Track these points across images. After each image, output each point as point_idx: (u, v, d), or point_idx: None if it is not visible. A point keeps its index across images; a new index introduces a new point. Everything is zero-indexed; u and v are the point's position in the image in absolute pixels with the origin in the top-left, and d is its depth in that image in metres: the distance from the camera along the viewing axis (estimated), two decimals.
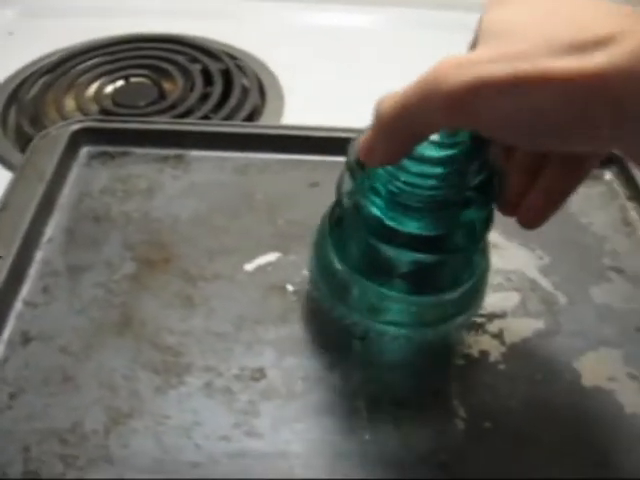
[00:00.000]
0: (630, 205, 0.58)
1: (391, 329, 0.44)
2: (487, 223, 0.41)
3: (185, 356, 0.44)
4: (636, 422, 0.43)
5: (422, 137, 0.34)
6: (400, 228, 0.39)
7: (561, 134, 0.30)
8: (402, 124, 0.33)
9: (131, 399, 0.42)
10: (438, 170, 0.37)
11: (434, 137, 0.36)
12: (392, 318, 0.44)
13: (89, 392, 0.42)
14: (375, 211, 0.39)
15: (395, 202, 0.38)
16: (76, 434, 0.40)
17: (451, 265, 0.43)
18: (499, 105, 0.30)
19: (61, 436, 0.40)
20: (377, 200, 0.38)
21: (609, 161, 0.61)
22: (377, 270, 0.42)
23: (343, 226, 0.43)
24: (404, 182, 0.37)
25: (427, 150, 0.36)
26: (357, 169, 0.39)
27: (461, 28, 0.83)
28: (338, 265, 0.43)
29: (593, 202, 0.58)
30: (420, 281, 0.42)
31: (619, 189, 0.59)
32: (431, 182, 0.38)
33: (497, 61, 0.30)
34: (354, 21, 0.87)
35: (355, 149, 0.38)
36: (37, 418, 0.41)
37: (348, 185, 0.40)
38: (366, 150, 0.35)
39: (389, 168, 0.37)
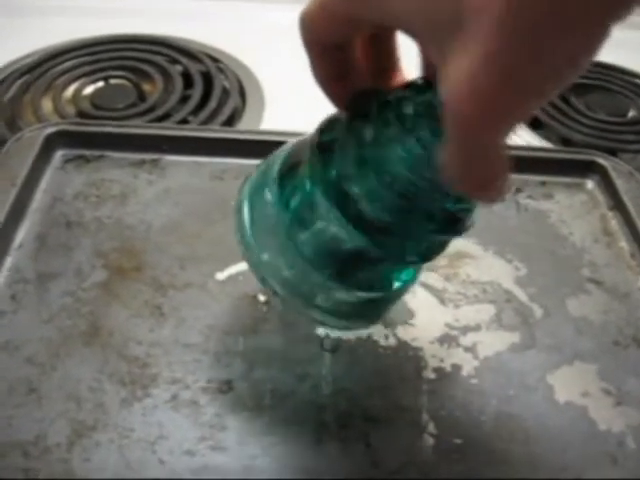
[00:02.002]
0: (611, 215, 0.57)
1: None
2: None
3: (152, 367, 0.43)
4: (609, 439, 0.43)
5: (331, 38, 0.33)
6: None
7: None
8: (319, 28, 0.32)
9: (96, 411, 0.41)
10: None
11: None
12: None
13: (54, 404, 0.41)
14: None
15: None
16: (38, 447, 0.39)
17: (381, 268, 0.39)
18: None
19: (24, 449, 0.39)
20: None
21: (591, 170, 0.60)
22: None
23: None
24: None
25: None
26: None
27: None
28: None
29: (574, 211, 0.58)
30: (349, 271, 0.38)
31: (600, 198, 0.59)
32: None
33: None
34: None
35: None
36: (0, 430, 0.40)
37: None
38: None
39: None
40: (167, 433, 0.40)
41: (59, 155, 0.57)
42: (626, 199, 0.57)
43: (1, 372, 0.43)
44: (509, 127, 0.28)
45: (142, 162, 0.57)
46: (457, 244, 0.53)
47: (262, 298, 0.47)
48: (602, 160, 0.60)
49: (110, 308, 0.46)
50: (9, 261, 0.49)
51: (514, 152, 0.61)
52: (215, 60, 0.74)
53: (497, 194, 0.31)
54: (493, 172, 0.30)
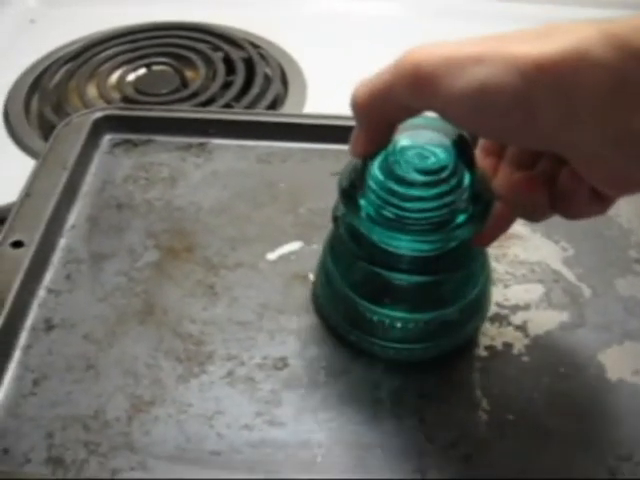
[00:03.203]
0: None
1: (396, 346, 0.44)
2: None
3: (207, 345, 0.44)
4: None
5: (395, 121, 0.35)
6: (396, 251, 0.39)
7: (500, 113, 0.30)
8: (375, 108, 0.33)
9: (153, 387, 0.42)
10: (427, 193, 0.38)
11: (421, 161, 0.37)
12: (395, 336, 0.43)
13: (112, 379, 0.42)
14: (370, 236, 0.39)
15: (388, 226, 0.38)
16: (99, 421, 0.40)
17: (451, 282, 0.43)
18: (456, 82, 0.30)
19: (84, 423, 0.40)
20: (372, 225, 0.39)
21: None
22: (378, 291, 0.42)
23: (341, 249, 0.43)
24: (396, 206, 0.38)
25: (414, 174, 0.37)
26: (349, 194, 0.39)
27: (481, 16, 0.84)
28: (341, 286, 0.43)
29: None
30: (421, 300, 0.43)
31: None
32: (421, 205, 0.38)
33: (465, 44, 0.31)
34: (376, 9, 0.87)
35: (345, 175, 0.40)
36: (60, 405, 0.41)
37: (342, 209, 0.40)
38: (351, 142, 0.36)
39: (380, 193, 0.38)
40: (224, 408, 0.41)
41: (107, 139, 0.58)
42: None
43: (59, 349, 0.44)
44: None
45: (189, 146, 0.58)
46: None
47: (313, 278, 0.48)
48: None
49: (163, 287, 0.47)
50: (63, 242, 0.50)
51: None
52: (256, 47, 0.75)
53: None
54: None
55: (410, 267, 0.40)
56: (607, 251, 0.52)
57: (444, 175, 0.38)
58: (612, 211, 0.54)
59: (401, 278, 0.41)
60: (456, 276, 0.43)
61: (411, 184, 0.38)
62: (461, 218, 0.39)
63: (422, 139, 0.39)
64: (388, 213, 0.38)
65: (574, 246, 0.52)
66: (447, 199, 0.38)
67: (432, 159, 0.38)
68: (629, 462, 0.40)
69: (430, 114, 0.39)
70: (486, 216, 0.40)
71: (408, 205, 0.38)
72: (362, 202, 0.39)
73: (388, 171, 0.38)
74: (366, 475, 0.39)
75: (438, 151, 0.38)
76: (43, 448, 0.39)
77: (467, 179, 0.39)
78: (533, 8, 0.85)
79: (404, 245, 0.39)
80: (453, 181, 0.38)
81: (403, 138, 0.38)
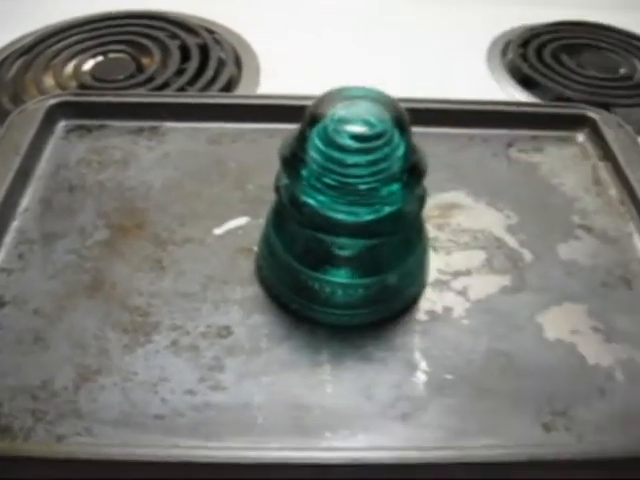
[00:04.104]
0: (601, 165, 0.59)
1: (337, 312, 0.45)
2: (419, 204, 0.43)
3: (153, 316, 0.45)
4: (598, 373, 0.44)
5: None
6: (335, 217, 0.41)
7: None
8: None
9: (100, 357, 0.43)
10: (363, 159, 0.40)
11: (357, 129, 0.40)
12: (337, 302, 0.45)
13: (60, 351, 0.43)
14: (312, 203, 0.41)
15: (329, 194, 0.40)
16: (47, 390, 0.41)
17: (390, 247, 0.44)
18: None
19: (32, 392, 0.41)
20: (313, 193, 0.41)
21: (581, 123, 0.61)
22: (320, 259, 0.44)
23: (284, 218, 0.45)
24: (334, 173, 0.40)
25: (350, 142, 0.40)
26: (290, 163, 0.41)
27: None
28: (284, 256, 0.45)
29: (564, 163, 0.59)
30: (360, 266, 0.44)
31: (591, 150, 0.60)
32: (357, 171, 0.40)
33: None
34: None
35: (286, 145, 0.42)
36: (9, 375, 0.42)
37: (284, 179, 0.43)
38: None
39: (320, 161, 0.40)
40: (168, 375, 0.42)
41: (61, 126, 0.59)
42: (615, 149, 0.58)
43: (9, 324, 0.45)
44: None
45: (142, 129, 0.59)
46: (448, 196, 0.54)
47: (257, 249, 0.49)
48: (591, 113, 0.61)
49: (112, 264, 0.48)
50: (15, 224, 0.51)
51: (504, 108, 0.63)
52: (211, 32, 0.76)
53: None
54: None
55: (349, 232, 0.42)
56: (550, 218, 0.54)
57: (380, 143, 0.40)
58: (556, 181, 0.56)
59: (341, 243, 0.43)
60: (393, 242, 0.44)
61: (347, 151, 0.40)
62: (395, 186, 0.41)
63: (360, 109, 0.41)
64: (327, 180, 0.40)
65: (518, 214, 0.54)
66: (382, 166, 0.40)
67: (369, 128, 0.40)
68: (563, 417, 0.42)
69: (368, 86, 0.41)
70: (418, 185, 0.42)
71: (345, 171, 0.40)
72: (303, 171, 0.41)
73: (327, 140, 0.40)
74: (305, 435, 0.40)
75: (375, 121, 0.40)
76: None
77: (402, 149, 0.40)
78: None
79: (343, 210, 0.41)
80: (387, 149, 0.40)
81: (341, 108, 0.40)
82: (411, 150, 0.41)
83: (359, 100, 0.41)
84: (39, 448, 0.38)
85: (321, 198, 0.41)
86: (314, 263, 0.44)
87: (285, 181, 0.43)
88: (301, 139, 0.41)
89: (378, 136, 0.40)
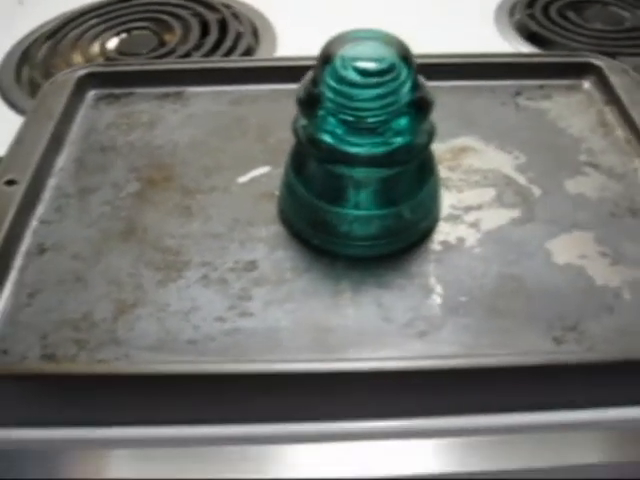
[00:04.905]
0: (607, 109, 0.61)
1: (355, 244, 0.48)
2: (428, 137, 0.46)
3: (184, 255, 0.48)
4: (606, 292, 0.46)
5: None
6: (352, 150, 0.44)
7: None
8: None
9: (135, 292, 0.46)
10: (374, 92, 0.43)
11: (366, 65, 0.43)
12: (354, 234, 0.48)
13: (98, 288, 0.46)
14: (328, 139, 0.44)
15: (343, 128, 0.44)
16: (87, 322, 0.44)
17: (403, 180, 0.47)
18: None
19: (74, 324, 0.44)
20: (328, 129, 0.44)
21: (587, 71, 0.63)
22: (337, 194, 0.47)
23: (302, 158, 0.48)
24: (348, 108, 0.43)
25: (361, 77, 0.43)
26: (306, 103, 0.45)
27: None
28: (303, 194, 0.48)
29: (571, 108, 0.61)
30: (377, 198, 0.47)
31: (597, 96, 0.62)
32: (369, 104, 0.43)
33: None
34: None
35: (302, 88, 0.45)
36: (53, 311, 0.45)
37: (301, 120, 0.46)
38: None
39: (333, 98, 0.43)
40: (199, 305, 0.45)
41: (91, 95, 0.63)
42: (621, 92, 0.60)
43: (51, 268, 0.48)
44: None
45: (167, 95, 0.62)
46: (459, 141, 0.57)
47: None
48: (597, 60, 0.63)
49: (144, 212, 0.51)
50: (52, 181, 0.54)
51: (512, 59, 0.65)
52: (229, 7, 0.79)
53: None
54: None
55: (364, 163, 0.45)
56: (558, 157, 0.56)
57: (387, 78, 0.43)
58: (563, 124, 0.59)
59: (357, 176, 0.46)
60: (406, 175, 0.47)
61: (357, 86, 0.43)
62: (404, 120, 0.44)
63: (367, 48, 0.44)
64: (341, 116, 0.44)
65: (526, 155, 0.56)
66: (390, 99, 0.43)
67: (376, 64, 0.43)
68: (574, 331, 0.44)
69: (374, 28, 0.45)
70: (426, 119, 0.45)
71: (356, 105, 0.43)
72: (318, 110, 0.44)
73: (338, 77, 0.43)
74: (328, 353, 0.43)
75: (382, 57, 0.44)
76: (38, 347, 0.43)
77: (408, 84, 0.44)
78: None
79: (357, 143, 0.44)
80: (394, 84, 0.43)
81: (350, 48, 0.44)
82: (417, 85, 0.44)
83: (367, 40, 0.45)
84: (83, 367, 0.42)
85: (337, 132, 0.44)
86: (332, 198, 0.47)
87: (302, 122, 0.46)
88: (314, 80, 0.44)
89: (385, 71, 0.43)
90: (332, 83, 0.43)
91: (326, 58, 0.44)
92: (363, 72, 0.43)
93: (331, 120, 0.44)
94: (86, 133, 0.59)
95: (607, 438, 0.44)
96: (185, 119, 0.60)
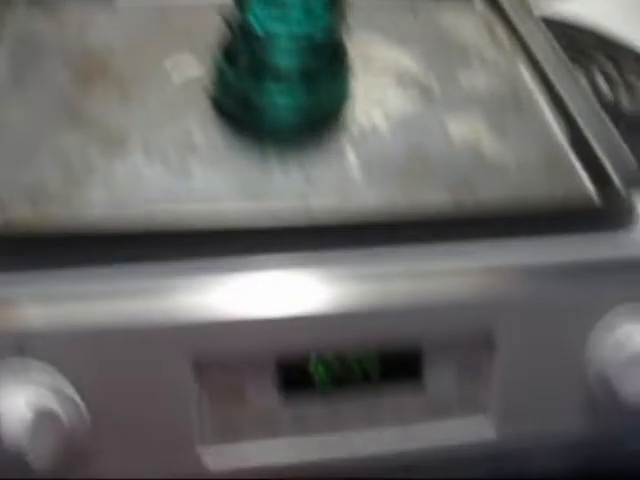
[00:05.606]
0: (496, 22, 0.69)
1: (281, 124, 0.55)
2: (342, 17, 0.54)
3: (126, 134, 0.53)
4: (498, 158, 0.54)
5: None
6: (276, 30, 0.51)
7: None
8: None
9: (82, 164, 0.51)
10: None
11: None
12: (281, 115, 0.54)
13: (47, 161, 0.51)
14: (255, 24, 0.51)
15: (269, 12, 0.51)
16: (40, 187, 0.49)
17: (319, 68, 0.54)
18: None
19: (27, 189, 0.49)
20: (256, 14, 0.51)
21: None
22: (263, 75, 0.53)
23: (232, 45, 0.54)
24: None
25: None
26: None
27: None
28: (233, 79, 0.54)
29: (464, 22, 0.69)
30: (298, 85, 0.53)
31: (488, 14, 0.70)
32: None
33: None
34: None
35: None
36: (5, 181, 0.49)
37: (237, 14, 0.53)
38: None
39: None
40: (143, 174, 0.51)
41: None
42: (508, 9, 0.69)
43: None
44: None
45: None
46: (363, 40, 0.63)
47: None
48: None
49: (84, 99, 0.56)
50: None
51: None
52: None
53: None
54: None
55: (287, 41, 0.52)
56: (451, 54, 0.65)
57: None
58: (456, 33, 0.67)
59: (280, 53, 0.52)
60: (321, 61, 0.54)
61: None
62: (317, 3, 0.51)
63: None
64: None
65: (424, 51, 0.64)
66: None
67: None
68: (471, 192, 0.52)
69: None
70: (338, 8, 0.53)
71: None
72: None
73: None
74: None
75: None
76: None
77: None
78: None
79: (281, 25, 0.51)
80: None
81: None
82: None
83: None
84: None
85: (262, 17, 0.51)
86: (259, 81, 0.53)
87: (238, 17, 0.52)
88: None
89: None
90: None
91: None
92: None
93: (257, 5, 0.51)
94: (19, 35, 0.62)
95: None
96: (114, 16, 0.65)
